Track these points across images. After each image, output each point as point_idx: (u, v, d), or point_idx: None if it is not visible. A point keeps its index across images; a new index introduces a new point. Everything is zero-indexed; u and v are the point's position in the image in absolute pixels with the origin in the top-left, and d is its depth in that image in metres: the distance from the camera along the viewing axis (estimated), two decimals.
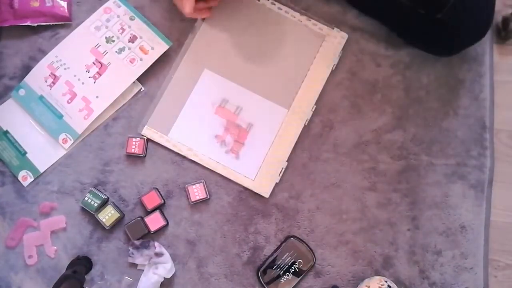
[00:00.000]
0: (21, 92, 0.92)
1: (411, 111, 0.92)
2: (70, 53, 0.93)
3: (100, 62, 0.92)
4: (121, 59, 0.92)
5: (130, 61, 0.91)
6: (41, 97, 0.91)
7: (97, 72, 0.91)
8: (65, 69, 0.92)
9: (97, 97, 0.91)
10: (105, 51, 0.92)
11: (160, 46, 0.92)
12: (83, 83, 0.91)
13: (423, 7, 0.80)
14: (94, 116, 0.90)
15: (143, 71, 0.91)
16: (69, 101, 0.91)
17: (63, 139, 0.91)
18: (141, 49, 0.92)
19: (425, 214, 0.90)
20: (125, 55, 0.92)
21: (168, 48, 0.92)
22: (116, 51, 0.92)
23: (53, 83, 0.91)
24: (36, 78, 0.92)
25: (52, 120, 0.91)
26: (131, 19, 0.93)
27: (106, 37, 0.93)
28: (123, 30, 0.93)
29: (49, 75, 0.92)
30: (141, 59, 0.92)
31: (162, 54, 0.92)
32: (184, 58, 0.93)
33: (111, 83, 0.91)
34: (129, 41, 0.92)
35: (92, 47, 0.92)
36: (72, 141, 0.91)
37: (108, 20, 0.93)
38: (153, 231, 0.88)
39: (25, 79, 0.92)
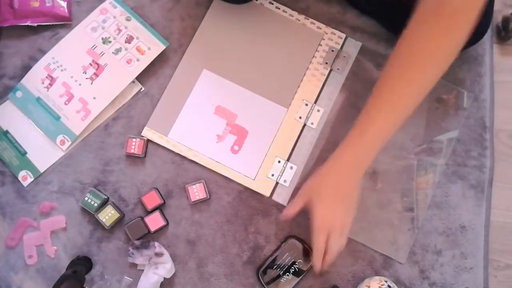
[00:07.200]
0: (18, 94, 0.92)
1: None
2: (67, 55, 0.93)
3: (97, 63, 0.92)
4: (118, 59, 0.91)
5: (127, 62, 0.91)
6: (38, 99, 0.91)
7: (94, 73, 0.91)
8: (62, 70, 0.92)
9: (94, 98, 0.91)
10: (102, 52, 0.92)
11: (156, 47, 0.92)
12: (80, 84, 0.91)
13: None
14: (92, 117, 0.90)
15: (140, 71, 0.91)
16: (66, 102, 0.91)
17: (61, 141, 0.91)
18: (138, 49, 0.92)
19: (425, 214, 0.90)
20: (121, 55, 0.92)
21: (168, 48, 0.92)
22: (112, 52, 0.92)
23: (50, 84, 0.91)
24: (33, 80, 0.92)
25: (50, 122, 0.91)
26: (127, 19, 0.93)
27: (102, 38, 0.92)
28: (120, 30, 0.93)
29: (46, 77, 0.92)
30: (138, 60, 0.91)
31: (162, 54, 0.92)
32: (183, 58, 0.93)
33: (108, 84, 0.91)
34: (125, 42, 0.92)
35: (88, 48, 0.92)
36: (70, 143, 0.91)
37: (104, 21, 0.93)
38: (153, 231, 0.88)
39: (22, 81, 0.92)
